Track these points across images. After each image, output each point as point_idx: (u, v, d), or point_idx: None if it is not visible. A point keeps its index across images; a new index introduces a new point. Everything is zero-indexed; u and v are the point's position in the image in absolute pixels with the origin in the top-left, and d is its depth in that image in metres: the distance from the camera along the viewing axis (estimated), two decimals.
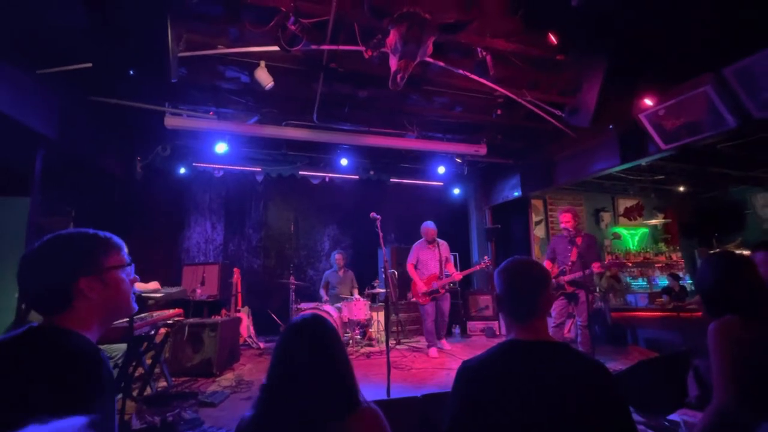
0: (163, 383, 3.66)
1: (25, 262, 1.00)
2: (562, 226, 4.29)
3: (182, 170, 6.01)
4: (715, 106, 3.59)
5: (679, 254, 7.80)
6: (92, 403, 0.89)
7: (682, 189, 7.62)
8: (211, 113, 4.71)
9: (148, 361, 3.48)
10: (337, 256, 6.16)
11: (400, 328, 5.93)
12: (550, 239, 4.56)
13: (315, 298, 6.55)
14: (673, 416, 2.15)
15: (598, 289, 6.44)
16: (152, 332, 3.42)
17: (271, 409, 1.03)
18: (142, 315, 3.18)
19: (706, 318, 1.60)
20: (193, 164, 6.00)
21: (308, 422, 0.99)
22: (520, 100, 4.12)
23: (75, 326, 0.99)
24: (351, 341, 5.42)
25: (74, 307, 1.00)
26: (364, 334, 5.57)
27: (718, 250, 6.35)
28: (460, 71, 3.59)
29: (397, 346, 5.41)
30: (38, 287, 1.00)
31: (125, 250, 1.11)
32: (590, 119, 3.70)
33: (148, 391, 3.31)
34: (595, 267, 3.95)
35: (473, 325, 6.37)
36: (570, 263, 4.15)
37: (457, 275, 5.10)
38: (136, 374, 3.44)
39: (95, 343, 1.00)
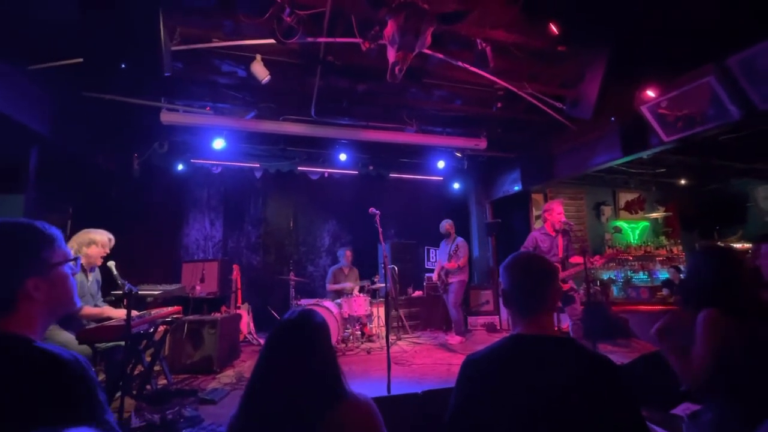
0: (163, 381, 3.64)
1: None
2: (563, 219, 4.10)
3: (180, 167, 5.96)
4: (719, 97, 3.53)
5: (680, 247, 7.78)
6: (80, 408, 0.85)
7: (683, 182, 7.58)
8: (207, 108, 4.66)
9: (148, 359, 3.46)
10: (347, 253, 6.07)
11: (400, 323, 5.92)
12: (530, 232, 4.48)
13: (315, 294, 6.52)
14: (676, 410, 2.13)
15: (598, 283, 6.42)
16: (151, 330, 3.39)
17: (255, 406, 1.03)
18: (141, 312, 3.15)
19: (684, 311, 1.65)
20: (191, 160, 5.96)
21: (293, 415, 0.98)
22: (520, 92, 4.06)
23: (18, 329, 0.91)
24: (351, 337, 5.40)
25: (18, 309, 0.91)
26: (362, 334, 5.54)
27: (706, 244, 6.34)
28: (460, 63, 3.53)
29: (398, 342, 5.40)
30: None
31: (63, 241, 1.03)
32: (592, 111, 3.65)
33: (147, 388, 3.30)
34: (578, 259, 3.98)
35: (474, 320, 6.36)
36: (558, 259, 4.05)
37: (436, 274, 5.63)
38: (136, 372, 3.43)
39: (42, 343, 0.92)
